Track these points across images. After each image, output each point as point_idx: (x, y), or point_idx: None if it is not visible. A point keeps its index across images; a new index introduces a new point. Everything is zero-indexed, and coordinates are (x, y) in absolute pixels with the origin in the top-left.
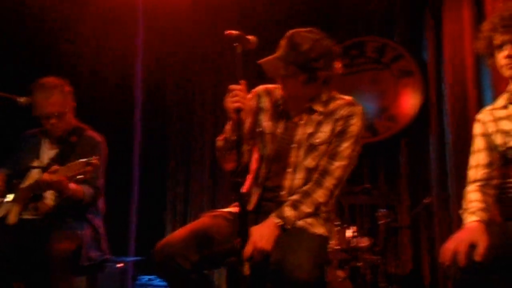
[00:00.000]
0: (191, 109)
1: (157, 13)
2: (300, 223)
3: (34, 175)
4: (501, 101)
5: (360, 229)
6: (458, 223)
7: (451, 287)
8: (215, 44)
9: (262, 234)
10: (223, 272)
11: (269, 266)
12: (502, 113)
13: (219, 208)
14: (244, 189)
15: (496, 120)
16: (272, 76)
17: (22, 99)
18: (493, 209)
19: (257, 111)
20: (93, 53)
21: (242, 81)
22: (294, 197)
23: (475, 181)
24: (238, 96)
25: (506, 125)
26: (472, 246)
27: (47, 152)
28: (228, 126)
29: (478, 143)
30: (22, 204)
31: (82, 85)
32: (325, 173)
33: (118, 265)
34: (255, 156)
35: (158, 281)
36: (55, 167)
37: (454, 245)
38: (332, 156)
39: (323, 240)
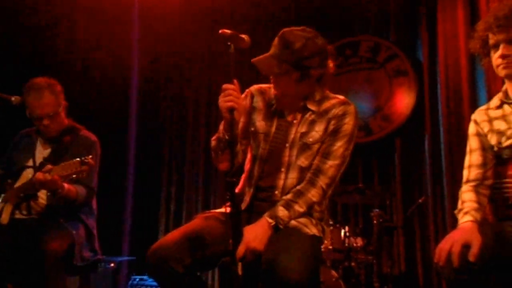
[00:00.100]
0: (185, 109)
1: (152, 12)
2: (293, 223)
3: (28, 174)
4: (496, 101)
5: (354, 229)
6: (452, 223)
7: (446, 287)
8: (209, 43)
9: (255, 234)
10: (216, 272)
11: (262, 266)
12: (497, 113)
13: (213, 208)
14: (237, 189)
15: (491, 120)
16: (266, 74)
17: (14, 98)
18: (487, 209)
19: (251, 110)
20: (87, 52)
21: (236, 81)
22: (287, 196)
23: (469, 181)
24: (231, 96)
25: (500, 125)
26: (466, 247)
27: (41, 152)
28: (221, 126)
29: (473, 143)
30: (14, 204)
31: (77, 85)
32: (318, 172)
33: (111, 265)
34: (249, 156)
35: (150, 281)
36: (49, 166)
37: (448, 245)
38: (326, 155)
39: (316, 240)
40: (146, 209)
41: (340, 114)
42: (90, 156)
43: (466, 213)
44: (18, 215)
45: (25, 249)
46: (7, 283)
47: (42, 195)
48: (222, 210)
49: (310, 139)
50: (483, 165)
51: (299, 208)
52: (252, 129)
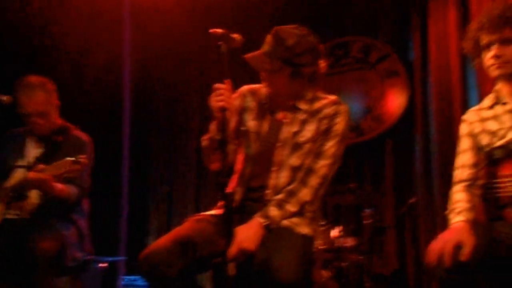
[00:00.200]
0: (177, 109)
1: (144, 10)
2: (286, 222)
3: (19, 174)
4: (488, 101)
5: (345, 229)
6: (443, 223)
7: (437, 287)
8: (201, 43)
9: (247, 235)
10: (208, 273)
11: (254, 266)
12: (488, 113)
13: (203, 209)
14: (229, 189)
15: (482, 120)
16: (258, 71)
17: (4, 98)
18: (479, 209)
19: (242, 110)
20: (79, 52)
21: (227, 80)
22: (279, 196)
23: (461, 181)
24: (223, 95)
25: (492, 125)
26: (458, 247)
27: (32, 151)
28: (213, 126)
29: (464, 143)
30: (5, 204)
31: (70, 86)
32: (310, 172)
33: (102, 265)
34: (240, 156)
35: (141, 281)
36: (41, 165)
37: (440, 245)
38: (317, 155)
39: (309, 240)
40: (136, 210)
41: (331, 114)
42: (83, 156)
43: (458, 213)
44: (9, 215)
45: (16, 249)
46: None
47: (34, 194)
48: (213, 212)
49: (302, 139)
50: (475, 165)
51: (291, 208)
52: (243, 128)
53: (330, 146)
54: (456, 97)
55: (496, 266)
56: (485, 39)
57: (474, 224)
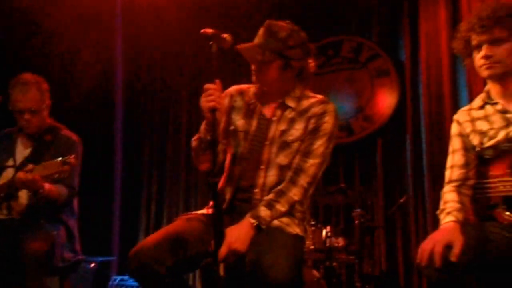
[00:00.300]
0: (166, 109)
1: (136, 11)
2: (276, 222)
3: (8, 174)
4: (478, 101)
5: (335, 229)
6: (433, 222)
7: (427, 287)
8: (192, 43)
9: (237, 235)
10: (197, 274)
11: (245, 266)
12: (479, 113)
13: (194, 209)
14: (218, 188)
15: (473, 120)
16: (250, 61)
17: None
18: (469, 209)
19: (230, 110)
20: (71, 54)
21: (218, 81)
22: (269, 196)
23: (451, 181)
24: (213, 96)
25: (482, 125)
26: (448, 247)
27: (22, 151)
28: (203, 126)
29: (455, 143)
30: None
31: (62, 87)
32: (299, 171)
33: (91, 265)
34: (229, 156)
35: (130, 281)
36: (30, 166)
37: (430, 245)
38: (306, 154)
39: (299, 240)
40: (127, 209)
41: (319, 113)
42: (72, 156)
43: (448, 213)
44: None
45: (5, 250)
46: None
47: (23, 195)
48: (204, 211)
49: (290, 137)
50: (466, 165)
51: (281, 207)
52: (232, 128)
53: (319, 145)
54: (446, 97)
55: (486, 266)
56: (475, 39)
57: (464, 225)
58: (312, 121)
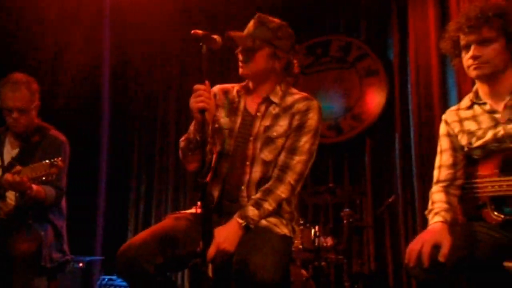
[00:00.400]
0: (155, 109)
1: (123, 10)
2: (264, 223)
3: None
4: (466, 101)
5: (324, 228)
6: (422, 222)
7: (416, 287)
8: (181, 43)
9: (226, 235)
10: (186, 273)
11: (233, 266)
12: (467, 113)
13: (182, 209)
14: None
15: (461, 120)
16: (240, 45)
17: None
18: (457, 210)
19: (215, 108)
20: (58, 52)
21: (207, 81)
22: (257, 195)
23: (439, 181)
24: (202, 96)
25: (471, 125)
26: (436, 247)
27: (9, 152)
28: (192, 127)
29: (443, 143)
30: None
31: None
32: (286, 168)
33: (79, 265)
34: (215, 155)
35: (119, 281)
36: (18, 167)
37: (418, 246)
38: (292, 151)
39: (287, 240)
40: (115, 209)
41: (303, 109)
42: (60, 158)
43: (436, 213)
44: None
45: None
46: None
47: (11, 195)
48: (193, 210)
49: (274, 133)
50: (454, 165)
51: (269, 206)
52: (216, 126)
53: (305, 141)
54: (435, 97)
55: (474, 266)
56: (463, 39)
57: (452, 225)
58: (297, 117)
